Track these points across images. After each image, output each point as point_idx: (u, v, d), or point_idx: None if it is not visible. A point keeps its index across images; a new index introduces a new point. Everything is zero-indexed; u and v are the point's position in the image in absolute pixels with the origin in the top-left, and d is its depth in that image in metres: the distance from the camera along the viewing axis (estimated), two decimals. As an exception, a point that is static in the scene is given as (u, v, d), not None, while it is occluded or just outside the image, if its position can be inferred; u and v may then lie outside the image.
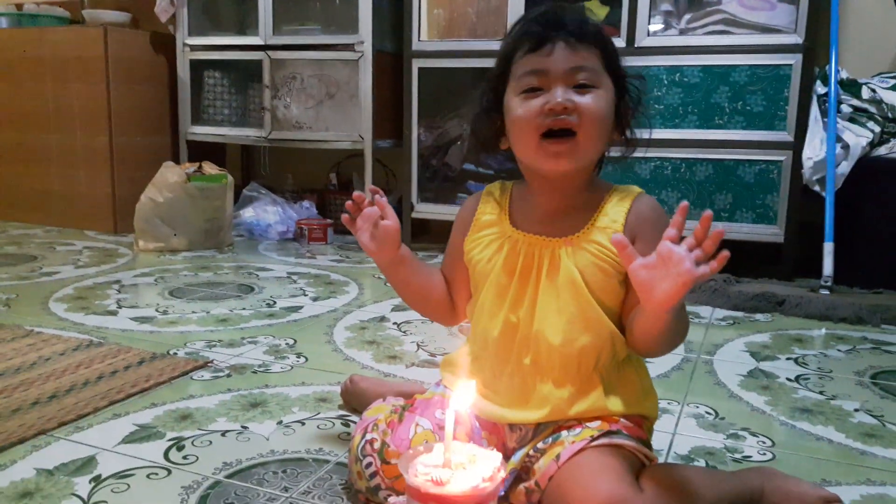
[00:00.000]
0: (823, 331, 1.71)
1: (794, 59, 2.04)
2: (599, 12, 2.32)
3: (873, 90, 2.07)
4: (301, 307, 1.81)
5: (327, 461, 1.00)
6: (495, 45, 2.24)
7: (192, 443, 1.05)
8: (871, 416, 1.21)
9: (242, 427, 1.11)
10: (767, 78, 2.08)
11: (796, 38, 2.04)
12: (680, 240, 0.74)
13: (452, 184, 2.56)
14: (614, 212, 0.88)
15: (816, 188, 2.08)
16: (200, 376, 1.31)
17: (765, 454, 1.06)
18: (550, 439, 0.86)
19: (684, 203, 0.74)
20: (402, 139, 2.68)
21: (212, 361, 1.39)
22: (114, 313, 1.71)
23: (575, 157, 0.85)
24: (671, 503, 0.78)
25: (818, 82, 2.11)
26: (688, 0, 2.24)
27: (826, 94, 2.08)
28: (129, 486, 0.93)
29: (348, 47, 2.54)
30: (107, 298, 1.84)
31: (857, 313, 1.80)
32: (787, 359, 1.51)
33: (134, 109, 2.81)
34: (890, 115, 2.01)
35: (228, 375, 1.32)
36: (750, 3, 2.16)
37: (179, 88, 2.88)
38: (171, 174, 2.43)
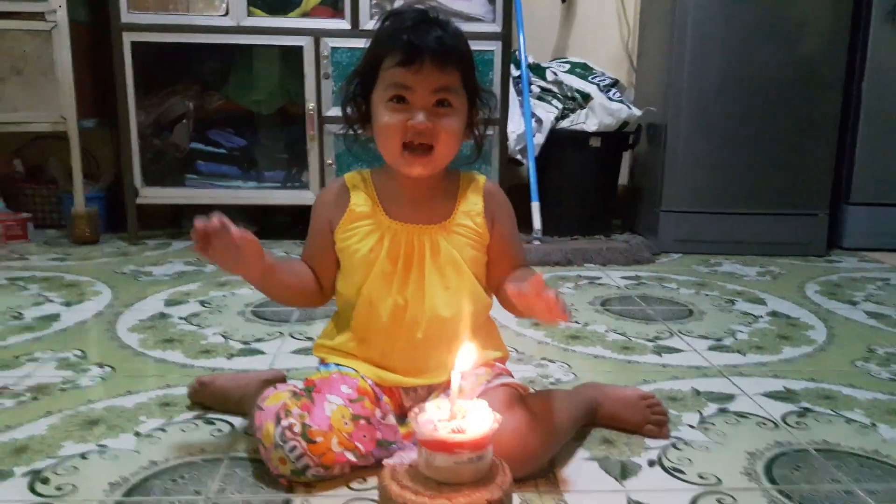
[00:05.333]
0: (548, 274, 2.09)
1: (496, 46, 2.36)
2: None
3: (555, 73, 2.51)
4: (58, 315, 1.63)
5: (219, 459, 1.00)
6: (216, 21, 2.21)
7: (55, 472, 0.95)
8: (617, 333, 1.57)
9: (99, 446, 1.03)
10: (476, 62, 2.38)
11: (495, 27, 2.37)
12: None
13: (181, 164, 2.44)
14: (472, 198, 1.05)
15: (518, 157, 2.47)
16: (1, 405, 1.15)
17: (568, 375, 1.33)
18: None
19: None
20: (104, 117, 2.46)
21: (5, 386, 1.21)
22: None
23: (430, 166, 0.99)
24: (553, 420, 0.98)
25: (511, 66, 2.48)
26: (398, -13, 2.43)
27: (519, 77, 2.46)
28: (17, 532, 0.83)
29: (36, 16, 2.23)
30: None
31: (565, 257, 2.22)
32: (537, 300, 1.82)
33: None
34: (568, 94, 2.47)
35: (35, 398, 1.18)
36: (451, -8, 2.43)
37: None
38: None
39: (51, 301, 1.73)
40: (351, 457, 0.93)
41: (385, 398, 1.01)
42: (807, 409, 1.19)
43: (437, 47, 0.93)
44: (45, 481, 0.93)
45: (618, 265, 2.22)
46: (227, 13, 2.27)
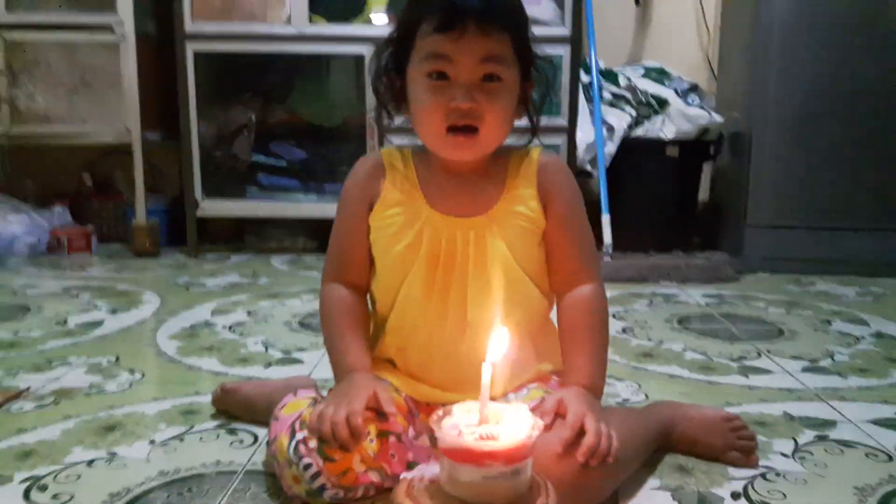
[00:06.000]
0: (614, 292, 1.92)
1: (564, 50, 2.24)
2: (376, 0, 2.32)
3: (628, 78, 2.36)
4: (101, 321, 1.58)
5: (233, 472, 0.89)
6: (277, 29, 2.17)
7: (55, 479, 0.86)
8: (696, 353, 1.39)
9: (109, 453, 0.94)
10: (542, 68, 2.26)
11: (564, 31, 2.24)
12: None
13: (241, 176, 2.40)
14: (525, 179, 0.88)
15: (588, 167, 2.32)
16: (20, 408, 1.08)
17: (639, 395, 1.17)
18: (499, 406, 0.86)
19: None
20: (169, 131, 2.45)
21: (27, 389, 1.15)
22: None
23: (477, 149, 0.84)
24: (624, 442, 0.81)
25: (581, 72, 2.35)
26: (463, -7, 2.35)
27: (590, 83, 2.32)
28: (-1, 543, 0.74)
29: (104, 29, 2.25)
30: None
31: (639, 273, 2.05)
32: (606, 316, 1.66)
33: None
34: (643, 99, 2.32)
35: (56, 402, 1.11)
36: (519, -2, 2.33)
37: None
38: None
39: (98, 309, 1.68)
40: (375, 477, 0.80)
41: (420, 416, 0.88)
42: (928, 441, 0.99)
43: (482, 7, 0.79)
44: (44, 489, 0.84)
45: (698, 283, 2.03)
46: (289, 21, 2.23)
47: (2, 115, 2.28)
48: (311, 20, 2.22)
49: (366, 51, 2.22)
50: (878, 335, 1.52)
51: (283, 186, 2.43)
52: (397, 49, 0.86)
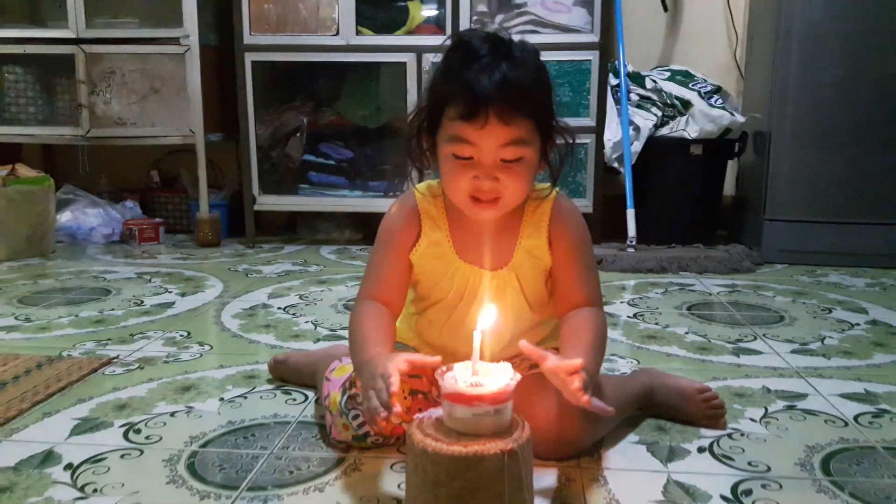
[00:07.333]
0: (634, 281, 2.07)
1: (593, 55, 2.39)
2: (418, 13, 2.50)
3: (654, 81, 2.49)
4: (173, 303, 1.80)
5: (288, 422, 1.09)
6: (327, 41, 2.37)
7: (146, 425, 1.08)
8: (697, 335, 1.54)
9: (187, 407, 1.15)
10: (572, 72, 2.42)
11: (593, 37, 2.39)
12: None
13: (294, 174, 2.62)
14: (538, 228, 0.99)
15: (615, 165, 2.47)
16: (112, 371, 1.31)
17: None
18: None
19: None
20: (230, 133, 2.68)
21: (117, 357, 1.38)
22: (-35, 326, 1.59)
23: (498, 211, 0.94)
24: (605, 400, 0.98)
25: (610, 75, 2.49)
26: (498, 2, 2.52)
27: (618, 85, 2.47)
28: (108, 467, 0.95)
29: (172, 41, 2.50)
30: (-55, 313, 1.70)
31: (660, 264, 2.19)
32: (621, 302, 1.82)
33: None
34: (668, 101, 2.45)
35: (141, 368, 1.33)
36: (551, 5, 2.48)
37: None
38: (-19, 178, 2.23)
39: (169, 292, 1.92)
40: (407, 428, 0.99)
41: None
42: (884, 411, 1.13)
43: (503, 97, 0.84)
44: (138, 432, 1.06)
45: (716, 274, 2.17)
46: (337, 33, 2.43)
47: (82, 120, 2.55)
48: (358, 32, 2.42)
49: (408, 59, 2.41)
50: (874, 322, 1.65)
51: (331, 183, 2.64)
52: (427, 119, 0.94)
